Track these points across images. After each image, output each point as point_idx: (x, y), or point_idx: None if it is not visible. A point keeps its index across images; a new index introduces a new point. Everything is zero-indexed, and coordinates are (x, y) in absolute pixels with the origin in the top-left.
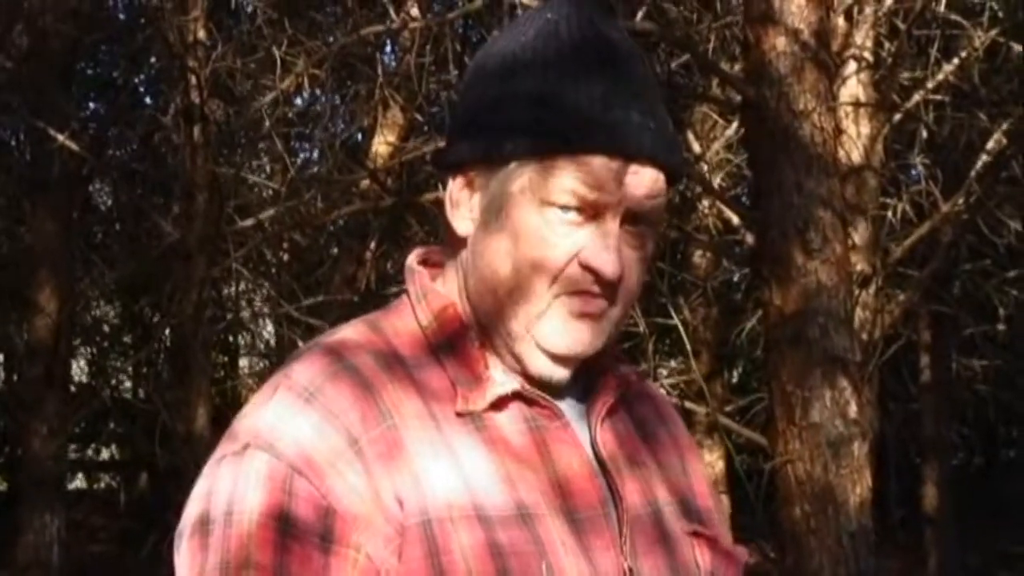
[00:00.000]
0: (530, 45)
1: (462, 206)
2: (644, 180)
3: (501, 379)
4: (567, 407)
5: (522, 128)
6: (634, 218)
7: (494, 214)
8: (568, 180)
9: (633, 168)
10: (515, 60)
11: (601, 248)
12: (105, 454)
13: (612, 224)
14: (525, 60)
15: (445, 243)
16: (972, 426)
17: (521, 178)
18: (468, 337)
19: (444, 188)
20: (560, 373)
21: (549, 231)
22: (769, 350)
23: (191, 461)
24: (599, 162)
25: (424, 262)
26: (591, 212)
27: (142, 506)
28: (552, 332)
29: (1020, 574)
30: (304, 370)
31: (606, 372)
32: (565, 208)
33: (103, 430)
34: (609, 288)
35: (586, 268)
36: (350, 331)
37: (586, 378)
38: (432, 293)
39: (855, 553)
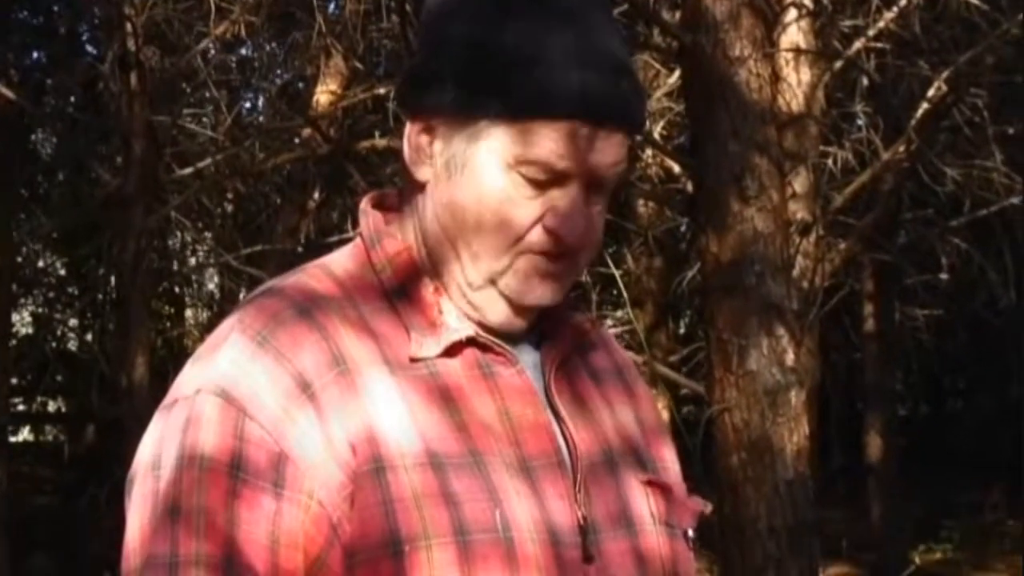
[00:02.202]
0: None
1: (421, 151)
2: (612, 145)
3: (455, 325)
4: (522, 354)
5: (495, 89)
6: (598, 182)
7: (458, 168)
8: (538, 147)
9: (603, 134)
10: (485, 6)
11: (566, 215)
12: (52, 406)
13: (577, 190)
14: (495, 7)
15: (403, 187)
16: (915, 375)
17: (489, 139)
18: (422, 282)
19: (399, 128)
20: (519, 323)
21: (515, 193)
22: (706, 298)
23: (131, 411)
24: (571, 128)
25: (378, 205)
26: (557, 177)
27: (88, 458)
28: (514, 285)
29: (964, 524)
30: (257, 315)
31: (561, 320)
32: (532, 176)
33: (48, 382)
34: (573, 250)
35: (550, 233)
36: (303, 275)
37: (541, 325)
38: (387, 237)
39: (792, 501)
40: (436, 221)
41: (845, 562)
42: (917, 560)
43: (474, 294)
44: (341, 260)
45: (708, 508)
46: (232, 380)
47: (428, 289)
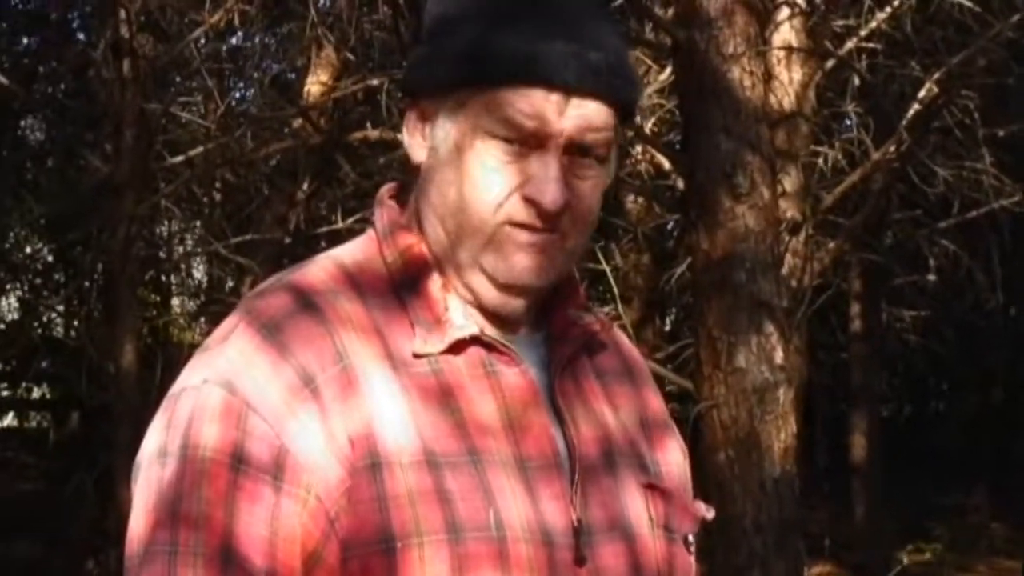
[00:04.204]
0: None
1: (417, 134)
2: (585, 112)
3: (460, 322)
4: (528, 353)
5: (464, 59)
6: (579, 149)
7: (442, 144)
8: (507, 110)
9: (575, 102)
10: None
11: (541, 180)
12: (37, 393)
13: (552, 156)
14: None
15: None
16: (901, 376)
17: (464, 109)
18: (431, 278)
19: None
20: (512, 304)
21: (491, 161)
22: (696, 295)
23: (119, 398)
24: (539, 94)
25: (395, 196)
26: (532, 144)
27: (73, 445)
28: (497, 261)
29: (946, 524)
30: (265, 307)
31: (571, 320)
32: (507, 140)
33: (34, 368)
34: (553, 220)
35: (527, 201)
36: (314, 267)
37: (549, 325)
38: (400, 229)
39: (778, 499)
40: (429, 201)
41: (828, 561)
42: (905, 560)
43: (467, 276)
44: (353, 251)
45: (711, 514)
46: (237, 372)
47: (436, 285)
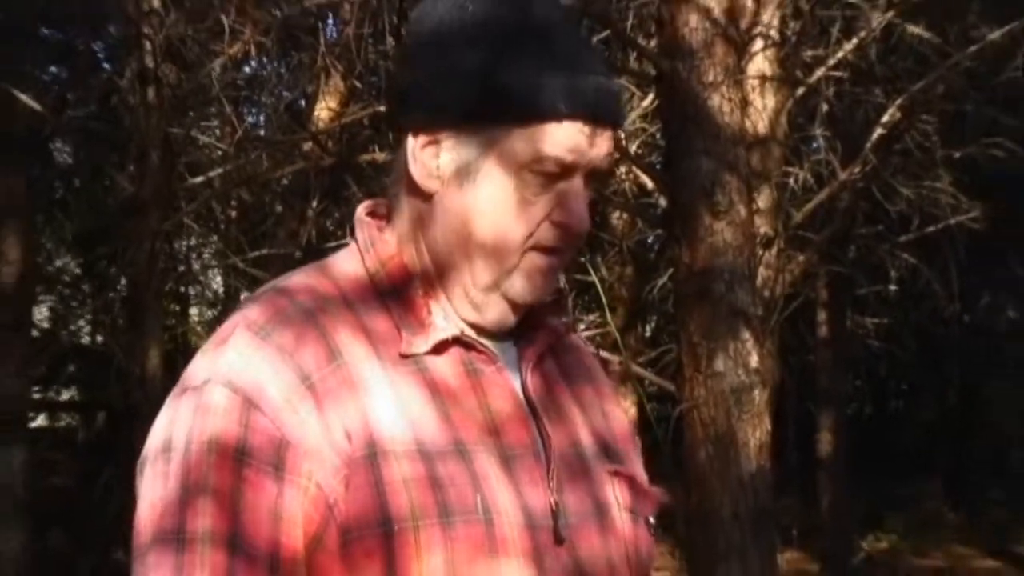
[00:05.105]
0: (492, 11)
1: (427, 164)
2: (606, 139)
3: (442, 325)
4: (501, 352)
5: (509, 101)
6: (593, 174)
7: (470, 174)
8: (550, 144)
9: (600, 130)
10: (483, 25)
11: (572, 207)
12: (66, 395)
13: (579, 183)
14: (494, 24)
15: (394, 196)
16: (864, 378)
17: (503, 144)
18: (413, 285)
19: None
20: (511, 320)
21: (527, 192)
22: (678, 304)
23: (144, 401)
24: (576, 127)
25: (371, 213)
26: (565, 171)
27: (100, 443)
28: (521, 284)
29: (904, 514)
30: (260, 312)
31: (538, 322)
32: (542, 172)
33: (63, 372)
34: (575, 241)
35: (557, 224)
36: (302, 276)
37: (519, 327)
38: (379, 242)
39: (754, 492)
40: (445, 228)
41: (796, 549)
42: (866, 547)
43: (477, 295)
44: (339, 263)
45: (667, 497)
46: (238, 372)
47: (418, 291)
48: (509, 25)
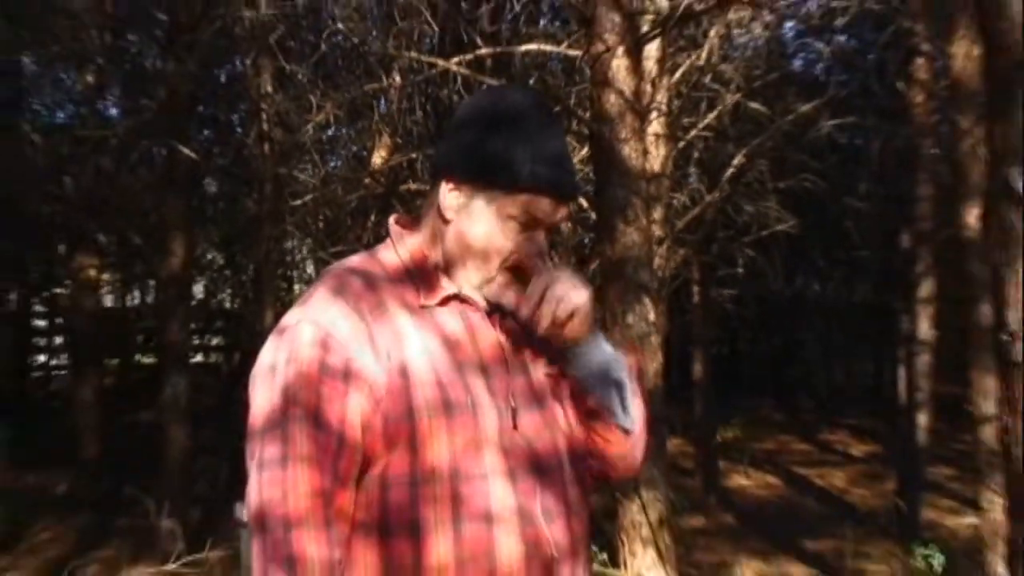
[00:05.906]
0: (482, 105)
1: (448, 201)
2: (564, 208)
3: (448, 287)
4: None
5: (507, 177)
6: (551, 227)
7: (475, 213)
8: (531, 211)
9: (562, 204)
10: (477, 113)
11: (532, 248)
12: (215, 341)
13: (540, 234)
14: (481, 113)
15: (424, 215)
16: (723, 329)
17: (497, 201)
18: (428, 266)
19: (431, 184)
20: (488, 292)
21: (507, 234)
22: (603, 282)
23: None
24: (549, 201)
25: (398, 222)
26: (532, 225)
27: (236, 374)
28: (493, 291)
29: (746, 414)
30: (332, 279)
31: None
32: (519, 223)
33: (212, 326)
34: (533, 264)
35: (520, 258)
36: (356, 259)
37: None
38: (407, 238)
39: (652, 403)
40: (457, 241)
41: (679, 438)
42: (720, 437)
43: (468, 288)
44: (380, 252)
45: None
46: (320, 315)
47: (433, 272)
48: (490, 113)
